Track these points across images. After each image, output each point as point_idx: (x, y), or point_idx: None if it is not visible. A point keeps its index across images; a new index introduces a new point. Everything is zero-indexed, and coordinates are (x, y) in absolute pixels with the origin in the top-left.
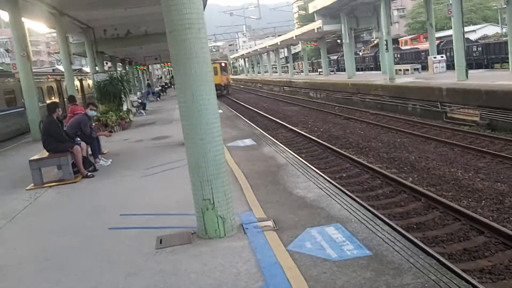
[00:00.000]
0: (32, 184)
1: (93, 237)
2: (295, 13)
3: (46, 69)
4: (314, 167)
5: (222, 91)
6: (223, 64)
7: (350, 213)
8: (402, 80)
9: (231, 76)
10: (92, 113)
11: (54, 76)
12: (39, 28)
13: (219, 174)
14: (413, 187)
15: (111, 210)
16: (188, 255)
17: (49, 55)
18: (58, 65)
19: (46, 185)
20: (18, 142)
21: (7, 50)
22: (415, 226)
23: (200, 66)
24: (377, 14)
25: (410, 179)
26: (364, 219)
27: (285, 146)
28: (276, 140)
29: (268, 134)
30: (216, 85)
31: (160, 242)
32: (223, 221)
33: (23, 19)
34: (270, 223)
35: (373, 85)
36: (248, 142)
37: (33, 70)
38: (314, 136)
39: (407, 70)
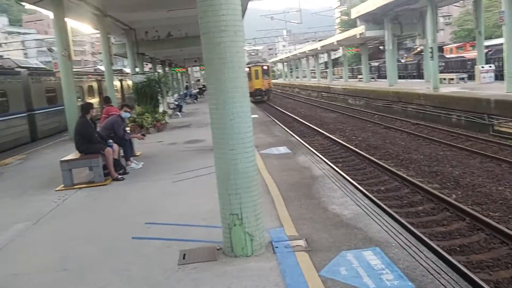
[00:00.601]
0: (62, 185)
1: (115, 247)
2: (337, 18)
3: (87, 69)
4: (351, 178)
5: (263, 97)
6: (265, 67)
7: (390, 235)
8: (446, 89)
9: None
10: (126, 115)
11: (95, 76)
12: (84, 28)
13: (249, 187)
14: (457, 205)
15: (137, 217)
16: (211, 274)
17: (93, 55)
18: (100, 65)
19: (76, 186)
20: (55, 140)
21: (49, 49)
22: (458, 248)
23: (235, 72)
24: (423, 21)
25: (454, 196)
26: (406, 243)
27: (321, 155)
28: (312, 147)
29: (304, 141)
30: (256, 90)
31: (184, 257)
32: (251, 239)
33: (66, 19)
34: (302, 242)
35: (416, 94)
36: (283, 150)
37: (75, 70)
38: (351, 145)
39: (452, 79)
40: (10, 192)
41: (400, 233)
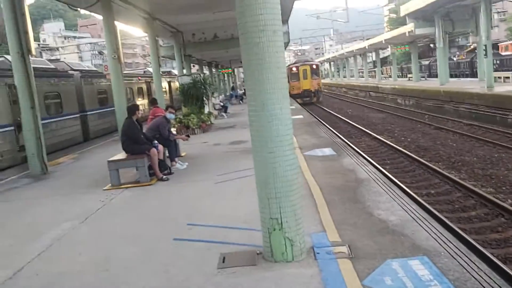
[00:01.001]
0: (110, 185)
1: (157, 248)
2: (386, 16)
3: (137, 71)
4: (399, 181)
5: (312, 98)
6: (314, 67)
7: (439, 243)
8: (502, 88)
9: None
10: (170, 116)
11: (145, 78)
12: (134, 31)
13: (289, 192)
14: None
15: (179, 218)
16: (250, 279)
17: (143, 58)
18: (150, 67)
19: (122, 186)
20: (106, 140)
21: (100, 53)
22: None
23: (273, 72)
24: (476, 17)
25: (510, 201)
26: (456, 252)
27: (368, 156)
28: (359, 149)
29: (350, 142)
30: (304, 90)
31: (223, 261)
32: (291, 244)
33: (116, 22)
34: (345, 249)
35: (468, 93)
36: (328, 151)
37: (125, 72)
38: (400, 147)
39: (508, 77)
40: (61, 190)
41: (450, 241)
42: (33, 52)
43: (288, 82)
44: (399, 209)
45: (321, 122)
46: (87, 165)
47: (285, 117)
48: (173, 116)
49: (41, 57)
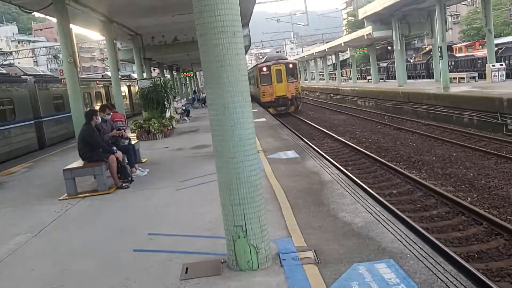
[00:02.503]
0: (66, 194)
1: (116, 260)
2: (344, 19)
3: (95, 75)
4: (362, 182)
5: (288, 107)
6: (290, 66)
7: (404, 245)
8: (457, 89)
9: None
10: (107, 117)
11: (103, 82)
12: (92, 35)
13: (253, 197)
14: (473, 209)
15: (140, 228)
16: None
17: (102, 62)
18: (108, 71)
19: (79, 195)
20: (63, 147)
21: (55, 56)
22: (476, 255)
23: (234, 75)
24: (431, 20)
25: (469, 199)
26: (422, 254)
27: (331, 158)
28: (321, 151)
29: (313, 144)
30: (279, 98)
31: (186, 272)
32: (256, 252)
33: (71, 25)
34: (311, 254)
35: (426, 94)
36: (291, 154)
37: (83, 76)
38: (362, 148)
39: (463, 78)
40: (13, 202)
41: (415, 242)
42: None
43: (257, 86)
44: (363, 211)
45: (284, 124)
46: (42, 174)
47: (247, 120)
48: (108, 116)
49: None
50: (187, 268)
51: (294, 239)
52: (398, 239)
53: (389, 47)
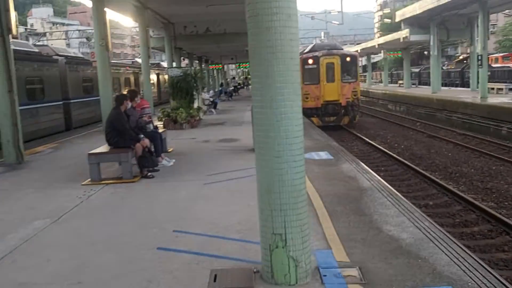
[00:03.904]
0: (89, 180)
1: (138, 258)
2: (376, 22)
3: (126, 61)
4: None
5: (340, 117)
6: (347, 59)
7: (463, 271)
8: (496, 99)
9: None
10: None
11: (133, 69)
12: (124, 21)
13: (296, 203)
14: None
15: (165, 223)
16: None
17: (132, 49)
18: (139, 58)
19: (103, 182)
20: (89, 130)
21: (87, 38)
22: None
23: (286, 63)
24: (471, 27)
25: None
26: (485, 283)
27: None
28: (351, 153)
29: (342, 146)
30: (327, 103)
31: (215, 279)
32: (295, 265)
33: (106, 9)
34: (355, 272)
35: (462, 103)
36: (324, 155)
37: (114, 61)
38: (394, 153)
39: (501, 89)
40: (35, 183)
41: (475, 268)
42: (14, 32)
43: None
44: (410, 226)
45: (313, 124)
46: (67, 156)
47: (296, 116)
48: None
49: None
50: (215, 275)
51: (335, 252)
52: (455, 263)
53: (425, 52)
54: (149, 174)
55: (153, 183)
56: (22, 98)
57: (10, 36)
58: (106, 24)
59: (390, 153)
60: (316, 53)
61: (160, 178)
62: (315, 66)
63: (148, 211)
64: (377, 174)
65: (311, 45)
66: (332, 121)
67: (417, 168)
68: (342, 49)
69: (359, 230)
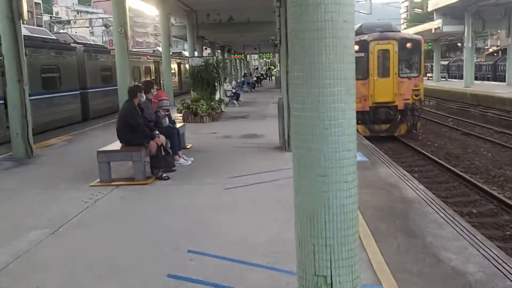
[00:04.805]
0: (98, 180)
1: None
2: (403, 13)
3: (147, 50)
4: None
5: (396, 125)
6: (407, 45)
7: None
8: None
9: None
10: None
11: (153, 57)
12: (148, 9)
13: (347, 236)
14: None
15: (178, 239)
16: None
17: (155, 37)
18: (160, 46)
19: (113, 183)
20: (106, 121)
21: (105, 25)
22: None
23: (338, 52)
24: (509, 18)
25: None
26: None
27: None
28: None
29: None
30: (378, 107)
31: None
32: None
33: None
34: None
35: (500, 98)
36: (358, 156)
37: (134, 50)
38: (427, 152)
39: None
40: (41, 182)
41: None
42: (25, 16)
43: None
44: (476, 254)
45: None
46: (79, 150)
47: (349, 122)
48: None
49: (53, 31)
50: None
51: None
52: None
53: (458, 44)
54: (164, 175)
55: (168, 186)
56: (37, 87)
57: (21, 21)
58: (125, 10)
59: (423, 151)
60: (365, 37)
61: (176, 180)
62: (362, 54)
63: (160, 222)
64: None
65: (357, 26)
66: (384, 130)
67: (456, 170)
68: (399, 31)
69: (413, 258)
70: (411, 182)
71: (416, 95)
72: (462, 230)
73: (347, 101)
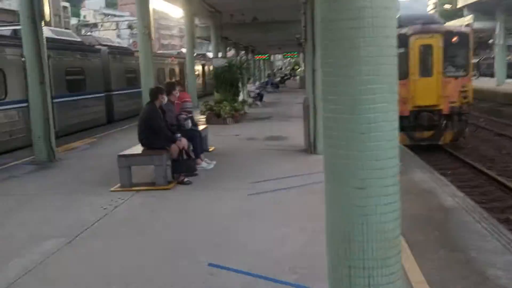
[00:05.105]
0: (119, 185)
1: None
2: (431, 10)
3: (171, 52)
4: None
5: (440, 132)
6: (454, 40)
7: None
8: None
9: None
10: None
11: (178, 59)
12: (173, 12)
13: (387, 259)
14: None
15: (198, 250)
16: None
17: (180, 39)
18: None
19: (134, 188)
20: (130, 124)
21: (129, 27)
22: None
23: (378, 43)
24: None
25: None
26: None
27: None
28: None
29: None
30: (419, 111)
31: None
32: None
33: None
34: None
35: None
36: None
37: (158, 51)
38: (459, 154)
39: None
40: (61, 187)
41: None
42: (47, 17)
43: None
44: None
45: None
46: (101, 153)
47: (391, 126)
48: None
49: (81, 34)
50: None
51: None
52: None
53: (489, 41)
54: (186, 180)
55: (189, 191)
56: (62, 90)
57: (43, 22)
58: (149, 11)
59: (455, 153)
60: (404, 30)
61: (198, 185)
62: (401, 50)
63: (180, 231)
64: (442, 176)
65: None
66: (426, 138)
67: (491, 174)
68: (443, 23)
69: (455, 275)
70: (448, 188)
71: (464, 98)
72: (508, 243)
73: (389, 100)
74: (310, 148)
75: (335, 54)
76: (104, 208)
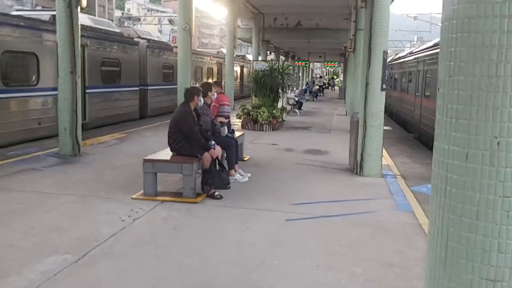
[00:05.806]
0: (142, 192)
1: None
2: None
3: (210, 51)
4: None
5: None
6: None
7: None
8: None
9: None
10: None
11: (217, 58)
12: (215, 12)
13: None
14: None
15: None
16: None
17: (221, 39)
18: (224, 47)
19: (158, 197)
20: (163, 121)
21: (170, 21)
22: None
23: None
24: None
25: None
26: None
27: None
28: None
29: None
30: None
31: None
32: None
33: None
34: None
35: None
36: (424, 188)
37: (198, 49)
38: None
39: None
40: (80, 187)
41: None
42: (84, 4)
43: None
44: None
45: (414, 137)
46: (129, 151)
47: None
48: (214, 96)
49: (123, 26)
50: None
51: None
52: None
53: None
54: (216, 193)
55: (219, 207)
56: (95, 81)
57: (79, 8)
58: (191, 7)
59: None
60: None
61: (230, 201)
62: None
63: (203, 260)
64: None
65: None
66: None
67: None
68: None
69: None
70: None
71: None
72: None
73: None
74: (356, 168)
75: (467, 69)
76: (122, 220)
